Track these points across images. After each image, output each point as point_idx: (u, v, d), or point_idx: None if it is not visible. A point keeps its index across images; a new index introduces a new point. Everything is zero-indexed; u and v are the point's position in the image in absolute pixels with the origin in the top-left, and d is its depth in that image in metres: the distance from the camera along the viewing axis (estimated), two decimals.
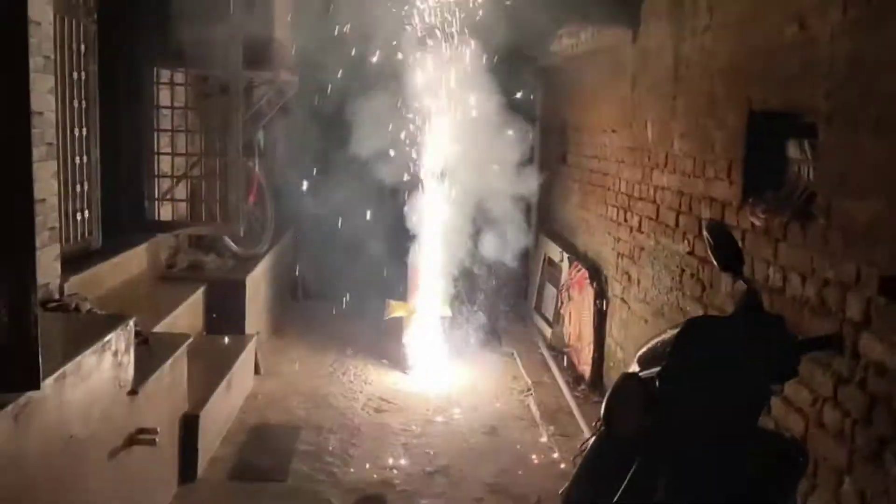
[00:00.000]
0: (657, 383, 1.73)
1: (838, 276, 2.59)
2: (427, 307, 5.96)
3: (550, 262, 6.89)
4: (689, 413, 1.71)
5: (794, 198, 2.95)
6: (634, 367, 1.91)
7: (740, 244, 2.16)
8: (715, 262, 2.09)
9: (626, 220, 5.09)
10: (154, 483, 3.58)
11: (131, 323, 3.26)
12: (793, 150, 3.18)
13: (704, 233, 2.15)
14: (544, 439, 4.65)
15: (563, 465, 4.26)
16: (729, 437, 1.76)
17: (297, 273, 7.75)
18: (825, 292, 2.66)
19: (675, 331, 1.89)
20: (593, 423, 2.02)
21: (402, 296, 6.16)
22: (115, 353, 3.06)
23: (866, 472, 2.40)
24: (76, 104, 4.28)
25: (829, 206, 2.70)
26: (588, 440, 2.06)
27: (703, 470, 1.71)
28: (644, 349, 1.94)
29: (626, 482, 1.69)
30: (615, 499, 1.69)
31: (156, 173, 5.64)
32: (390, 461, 4.32)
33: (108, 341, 2.98)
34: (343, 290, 7.26)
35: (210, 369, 4.55)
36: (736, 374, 1.79)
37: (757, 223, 3.12)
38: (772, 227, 3.04)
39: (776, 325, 1.95)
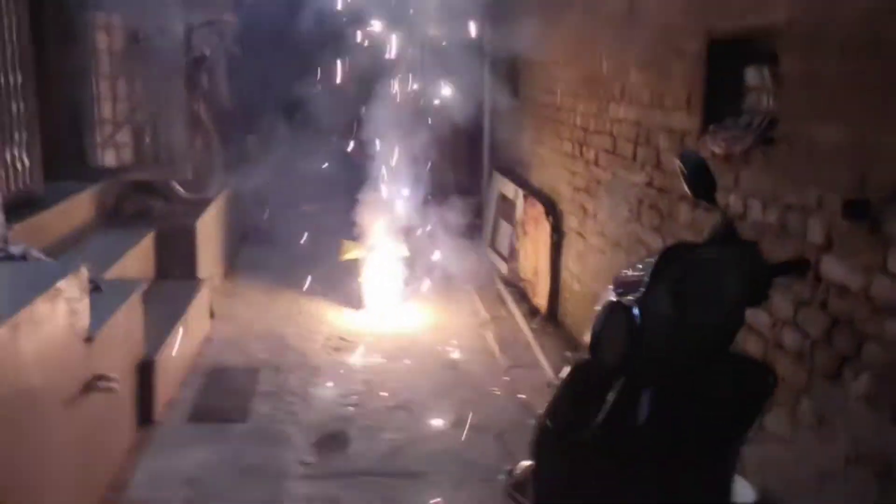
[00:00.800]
0: (638, 310, 1.74)
1: (800, 200, 2.62)
2: (383, 246, 5.91)
3: (504, 198, 6.88)
4: (669, 338, 1.72)
5: (756, 125, 2.96)
6: (611, 294, 1.91)
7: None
8: (688, 191, 2.08)
9: (581, 154, 5.08)
10: (113, 429, 3.52)
11: (83, 269, 3.14)
12: (752, 78, 3.19)
13: (677, 161, 2.14)
14: (503, 371, 4.71)
15: (522, 396, 4.32)
16: (706, 361, 1.78)
17: (247, 216, 7.60)
18: (787, 217, 2.70)
19: (652, 258, 1.89)
20: (566, 353, 2.03)
21: (358, 236, 6.09)
22: (69, 301, 2.95)
23: (824, 390, 2.48)
24: (9, 51, 4.07)
25: (791, 132, 2.72)
26: (563, 370, 2.07)
27: (683, 392, 1.73)
28: (620, 276, 1.94)
29: (608, 405, 1.70)
30: (597, 421, 1.71)
31: (97, 119, 5.42)
32: (352, 398, 4.33)
33: (60, 289, 2.87)
34: (295, 233, 7.16)
35: (164, 314, 4.46)
36: (713, 299, 1.81)
37: (717, 151, 3.13)
38: (733, 154, 3.06)
39: (750, 251, 1.97)
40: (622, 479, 1.92)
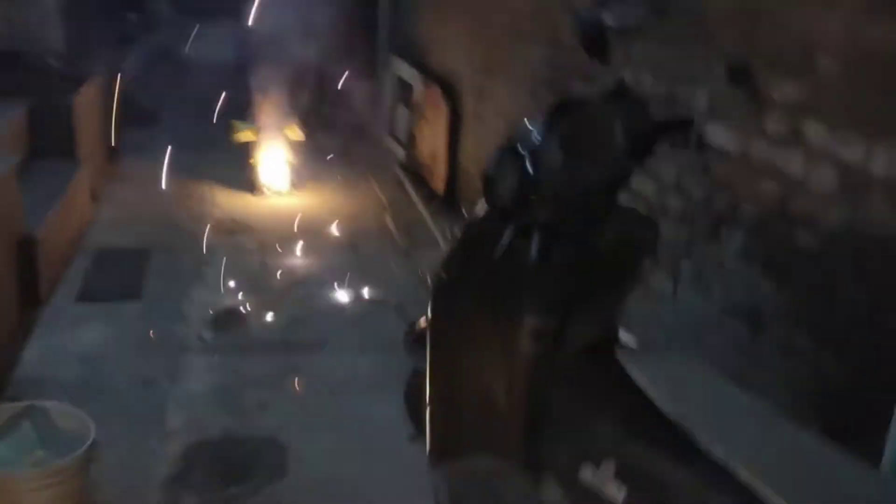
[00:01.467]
0: (527, 158, 1.77)
1: (689, 70, 2.71)
2: (276, 128, 5.74)
3: (402, 82, 6.77)
4: (559, 186, 1.77)
5: None
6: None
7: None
8: (583, 49, 2.10)
9: (480, 32, 5.03)
10: None
11: None
12: None
13: (571, 22, 2.15)
14: (402, 251, 4.76)
15: (420, 273, 4.40)
16: (593, 210, 1.85)
17: (131, 98, 7.18)
18: (675, 88, 2.79)
19: (543, 113, 1.92)
20: (463, 209, 2.06)
21: (250, 118, 5.89)
22: None
23: (703, 249, 2.64)
24: None
25: (683, 2, 2.77)
26: (453, 231, 2.11)
27: (572, 238, 1.80)
28: (514, 130, 1.96)
29: (502, 247, 1.75)
30: (494, 258, 1.76)
31: None
32: (246, 278, 4.29)
33: None
34: (182, 116, 6.86)
35: (42, 194, 4.24)
36: (601, 150, 1.86)
37: (612, 24, 3.16)
38: (626, 27, 3.09)
39: (640, 107, 2.02)
40: (510, 325, 2.01)
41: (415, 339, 2.43)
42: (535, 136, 1.83)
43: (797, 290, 2.22)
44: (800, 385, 2.17)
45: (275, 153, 5.71)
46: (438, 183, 5.64)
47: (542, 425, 1.86)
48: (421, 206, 5.49)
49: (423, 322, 2.49)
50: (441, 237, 4.82)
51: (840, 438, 1.32)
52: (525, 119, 1.98)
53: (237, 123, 5.78)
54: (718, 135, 2.54)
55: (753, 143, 2.39)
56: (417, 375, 2.46)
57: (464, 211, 2.01)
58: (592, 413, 1.53)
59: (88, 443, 2.33)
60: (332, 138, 6.51)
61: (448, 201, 5.52)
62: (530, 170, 1.75)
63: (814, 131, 2.18)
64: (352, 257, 4.70)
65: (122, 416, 2.97)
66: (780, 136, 2.29)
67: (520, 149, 1.79)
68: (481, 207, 1.98)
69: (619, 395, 1.58)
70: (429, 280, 2.13)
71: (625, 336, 2.56)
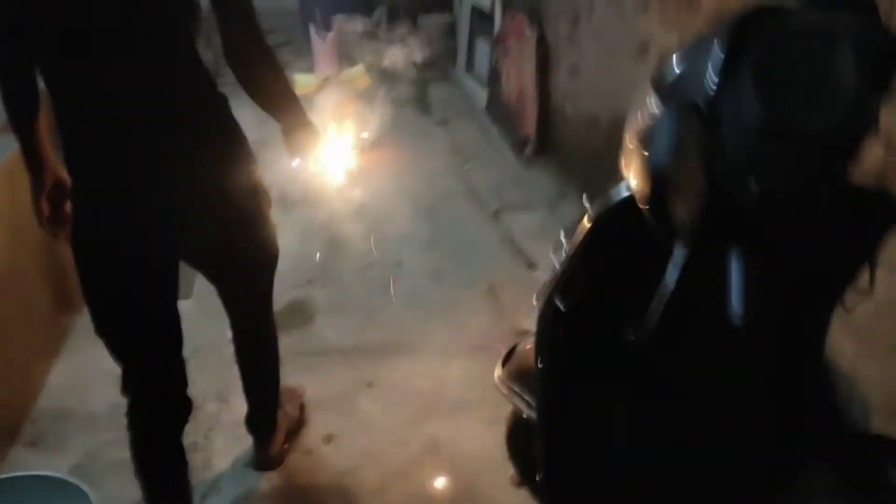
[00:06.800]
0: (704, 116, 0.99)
1: None
2: (341, 77, 5.04)
3: (480, 13, 5.92)
4: (759, 160, 0.98)
5: None
6: (651, 101, 1.15)
7: None
8: None
9: None
10: None
11: None
12: None
13: None
14: (490, 216, 4.03)
15: (512, 242, 3.66)
16: (816, 194, 1.07)
17: None
18: None
19: (713, 34, 1.12)
20: (583, 200, 1.28)
21: (310, 68, 5.21)
22: None
23: None
24: None
25: None
26: (577, 227, 1.36)
27: (793, 254, 1.03)
28: (662, 66, 1.17)
29: (667, 289, 1.00)
30: (650, 314, 1.02)
31: None
32: (314, 262, 3.66)
33: None
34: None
35: None
36: (821, 90, 1.06)
37: None
38: None
39: (870, 15, 1.19)
40: (676, 407, 1.27)
41: (512, 375, 1.75)
42: (710, 77, 1.04)
43: None
44: None
45: (338, 106, 5.00)
46: (528, 128, 4.83)
47: None
48: (510, 157, 4.72)
49: (521, 349, 1.79)
50: (536, 195, 4.05)
51: None
52: (681, 47, 1.19)
53: (296, 76, 5.11)
54: None
55: None
56: (521, 415, 1.78)
57: (584, 201, 1.20)
58: None
59: None
60: (403, 83, 5.78)
61: (542, 149, 4.71)
62: (716, 139, 0.97)
63: None
64: (432, 226, 3.99)
65: None
66: None
67: (699, 102, 1.01)
68: (617, 194, 1.22)
69: None
70: (536, 306, 1.40)
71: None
